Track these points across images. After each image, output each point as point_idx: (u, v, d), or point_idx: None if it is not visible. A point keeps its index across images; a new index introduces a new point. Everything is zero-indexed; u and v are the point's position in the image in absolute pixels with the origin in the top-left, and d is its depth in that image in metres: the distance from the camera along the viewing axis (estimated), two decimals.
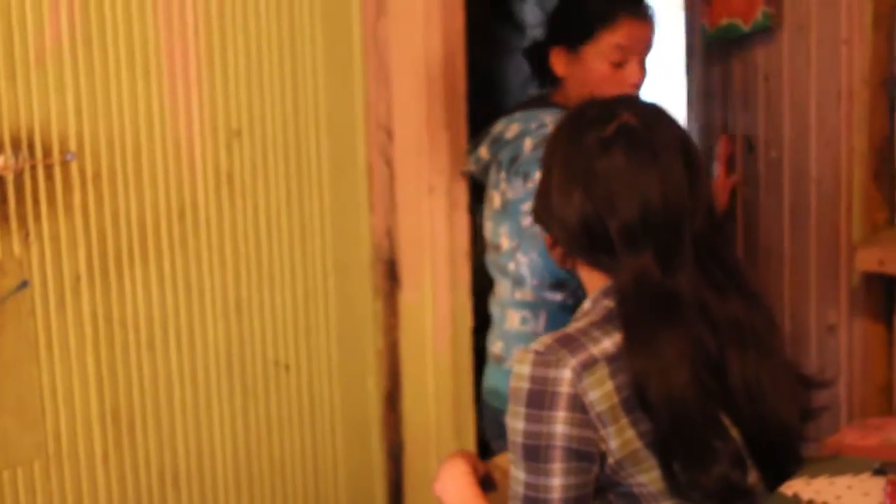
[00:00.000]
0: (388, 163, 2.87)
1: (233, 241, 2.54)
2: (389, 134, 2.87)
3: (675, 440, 1.62)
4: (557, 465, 1.62)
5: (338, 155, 2.78)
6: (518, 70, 3.23)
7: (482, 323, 2.97)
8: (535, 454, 1.63)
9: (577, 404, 1.62)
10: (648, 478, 1.66)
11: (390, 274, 2.92)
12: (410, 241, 2.89)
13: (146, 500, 2.42)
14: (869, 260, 2.18)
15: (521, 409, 1.64)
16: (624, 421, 1.64)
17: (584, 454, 1.63)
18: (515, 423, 1.65)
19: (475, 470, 2.01)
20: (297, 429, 2.73)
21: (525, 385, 1.64)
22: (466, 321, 2.94)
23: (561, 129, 1.82)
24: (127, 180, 2.35)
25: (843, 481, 1.78)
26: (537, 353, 1.65)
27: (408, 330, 2.94)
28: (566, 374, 1.62)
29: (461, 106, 2.85)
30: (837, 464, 1.87)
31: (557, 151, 1.80)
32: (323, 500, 2.80)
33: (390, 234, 2.91)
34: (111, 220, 2.32)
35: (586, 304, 1.78)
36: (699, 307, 1.69)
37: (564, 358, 1.63)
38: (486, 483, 2.02)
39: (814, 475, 1.81)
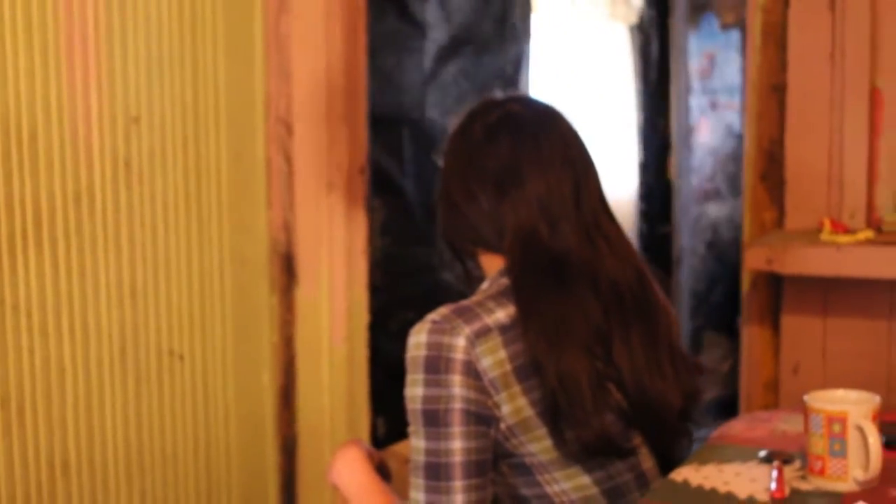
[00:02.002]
0: (288, 158, 2.88)
1: (129, 229, 2.52)
2: (289, 129, 2.87)
3: (562, 399, 1.67)
4: (457, 429, 1.65)
5: (237, 147, 2.77)
6: (418, 69, 3.25)
7: (378, 319, 2.99)
8: (435, 418, 1.66)
9: (471, 370, 1.66)
10: (539, 447, 1.70)
11: (287, 269, 2.92)
12: (308, 237, 2.90)
13: (35, 488, 2.37)
14: (758, 259, 2.24)
15: (420, 376, 1.67)
16: (516, 388, 1.67)
17: (482, 417, 1.67)
18: (414, 391, 1.68)
19: (370, 457, 2.02)
20: (191, 420, 2.71)
21: (422, 353, 1.67)
22: (363, 317, 2.96)
23: (452, 135, 1.91)
24: (22, 164, 2.32)
25: (731, 468, 1.82)
26: (433, 322, 1.69)
27: (303, 325, 2.94)
28: (460, 341, 1.66)
29: (362, 103, 2.87)
30: (725, 452, 1.92)
31: (450, 152, 1.88)
32: (215, 493, 2.78)
33: (287, 229, 2.91)
34: (5, 204, 2.28)
35: (484, 284, 1.82)
36: (587, 276, 1.74)
37: (459, 326, 1.67)
38: (381, 471, 2.03)
39: (703, 462, 1.86)
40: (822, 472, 1.72)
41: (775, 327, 2.52)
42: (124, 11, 2.47)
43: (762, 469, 1.81)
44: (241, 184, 2.79)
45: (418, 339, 1.69)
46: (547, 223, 1.76)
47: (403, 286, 3.24)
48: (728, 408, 3.58)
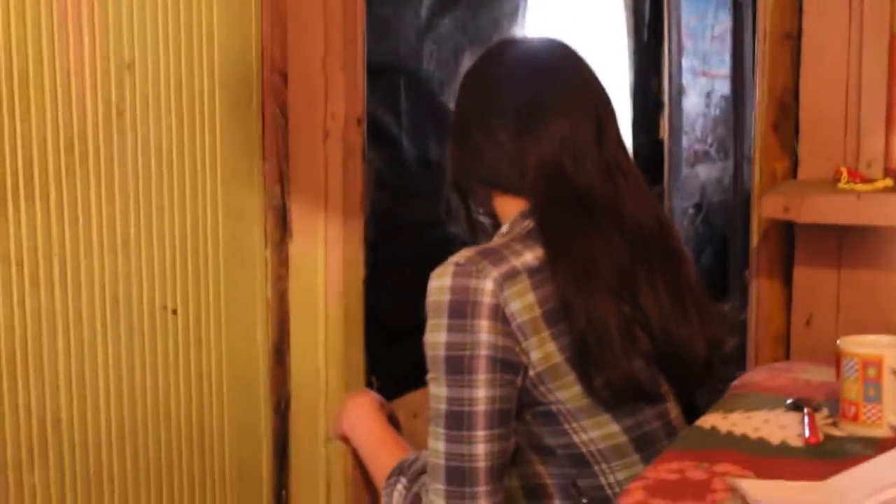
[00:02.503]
0: (283, 107, 2.80)
1: (122, 178, 2.43)
2: (284, 76, 2.79)
3: (592, 342, 1.60)
4: (482, 376, 1.59)
5: (231, 96, 2.69)
6: (414, 19, 3.17)
7: (372, 276, 2.92)
8: (459, 366, 1.59)
9: (500, 315, 1.59)
10: (567, 394, 1.64)
11: (281, 222, 2.85)
12: (303, 189, 2.82)
13: (25, 445, 2.29)
14: (774, 207, 2.18)
15: (443, 321, 1.60)
16: (545, 333, 1.61)
17: (509, 364, 1.60)
18: (436, 337, 1.61)
19: (381, 408, 1.96)
20: (184, 377, 2.63)
21: (446, 297, 1.60)
22: (358, 272, 2.89)
23: (468, 73, 1.86)
24: (13, 111, 2.22)
25: (759, 415, 1.78)
26: (458, 264, 1.62)
27: (297, 280, 2.87)
28: (488, 284, 1.59)
29: (359, 50, 2.79)
30: (750, 400, 1.87)
31: (466, 90, 1.83)
32: (208, 451, 2.71)
33: (282, 181, 2.83)
34: None
35: (504, 228, 1.75)
36: (611, 215, 1.68)
37: (486, 268, 1.61)
38: (392, 422, 1.97)
39: (729, 410, 1.81)
40: (855, 418, 1.68)
41: (786, 279, 2.46)
42: None
43: (791, 416, 1.77)
44: (235, 133, 2.71)
45: (441, 283, 1.62)
46: (571, 159, 1.69)
47: (398, 242, 3.16)
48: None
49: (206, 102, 2.62)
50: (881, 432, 1.66)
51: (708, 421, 1.75)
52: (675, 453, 1.58)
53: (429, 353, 1.64)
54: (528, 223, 1.70)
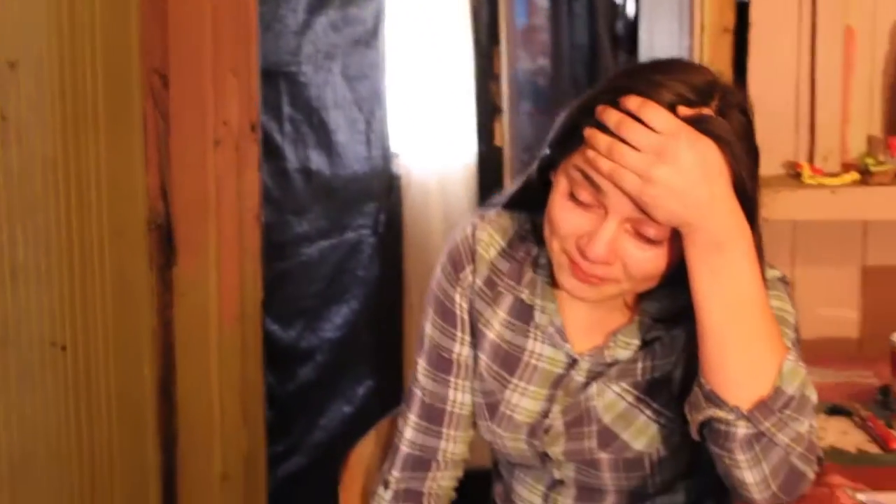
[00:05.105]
0: (164, 114, 2.52)
1: (7, 195, 2.11)
2: (165, 81, 2.51)
3: None
4: None
5: (115, 101, 2.39)
6: (292, 17, 2.95)
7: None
8: None
9: None
10: None
11: (164, 242, 2.56)
12: (189, 204, 2.55)
13: None
14: None
15: None
16: None
17: None
18: None
19: None
20: (73, 417, 2.32)
21: None
22: (256, 293, 2.64)
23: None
24: None
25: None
26: None
27: (185, 306, 2.59)
28: None
29: (252, 51, 2.54)
30: None
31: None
32: (98, 493, 2.40)
33: (165, 196, 2.54)
34: None
35: None
36: None
37: None
38: None
39: None
40: None
41: None
42: None
43: (839, 422, 1.66)
44: (119, 143, 2.41)
45: None
46: None
47: (278, 259, 2.92)
48: None
49: (90, 108, 2.32)
50: None
51: None
52: None
53: None
54: None
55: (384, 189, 3.39)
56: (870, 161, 2.16)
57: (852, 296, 2.33)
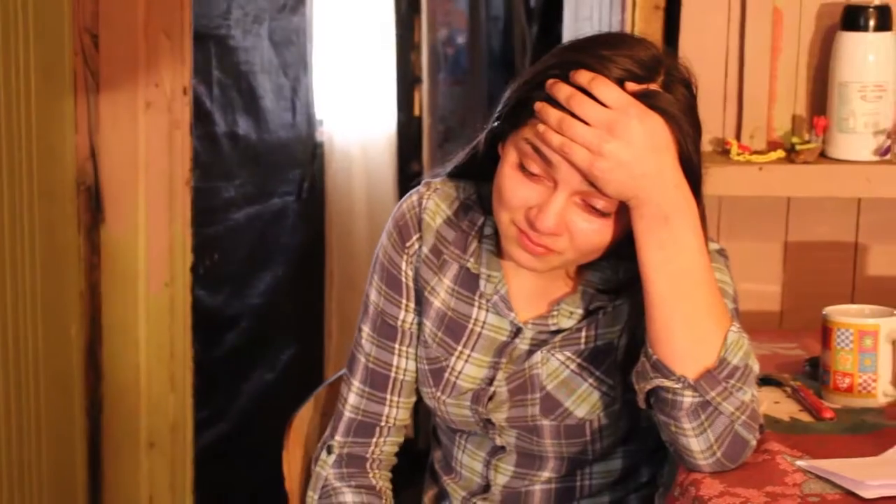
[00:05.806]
0: (95, 73, 2.49)
1: None
2: (95, 40, 2.48)
3: None
4: None
5: (46, 61, 2.35)
6: None
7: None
8: None
9: None
10: None
11: (92, 203, 2.54)
12: (118, 166, 2.53)
13: None
14: None
15: None
16: None
17: None
18: None
19: None
20: (2, 378, 2.28)
21: None
22: (185, 258, 2.62)
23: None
24: None
25: None
26: None
27: (111, 269, 2.57)
28: None
29: (186, 12, 2.52)
30: None
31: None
32: (26, 460, 2.36)
33: (93, 156, 2.52)
34: None
35: None
36: None
37: None
38: None
39: None
40: (849, 389, 1.65)
41: None
42: None
43: (773, 391, 1.72)
44: (50, 104, 2.37)
45: None
46: None
47: (206, 224, 2.90)
48: None
49: (21, 67, 2.28)
50: (875, 402, 1.64)
51: None
52: None
53: None
54: None
55: (308, 156, 3.40)
56: (795, 140, 2.23)
57: (775, 270, 2.40)
